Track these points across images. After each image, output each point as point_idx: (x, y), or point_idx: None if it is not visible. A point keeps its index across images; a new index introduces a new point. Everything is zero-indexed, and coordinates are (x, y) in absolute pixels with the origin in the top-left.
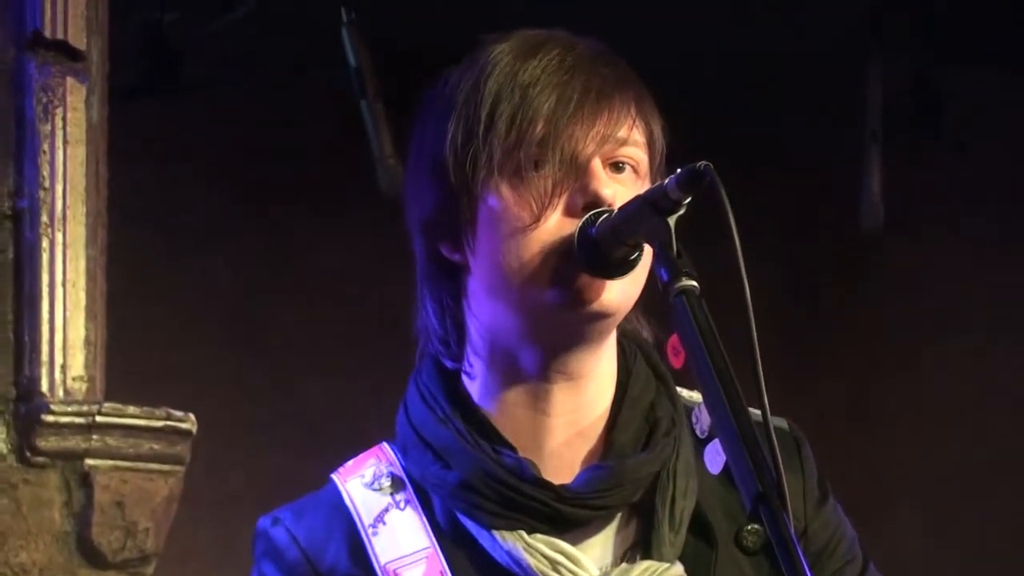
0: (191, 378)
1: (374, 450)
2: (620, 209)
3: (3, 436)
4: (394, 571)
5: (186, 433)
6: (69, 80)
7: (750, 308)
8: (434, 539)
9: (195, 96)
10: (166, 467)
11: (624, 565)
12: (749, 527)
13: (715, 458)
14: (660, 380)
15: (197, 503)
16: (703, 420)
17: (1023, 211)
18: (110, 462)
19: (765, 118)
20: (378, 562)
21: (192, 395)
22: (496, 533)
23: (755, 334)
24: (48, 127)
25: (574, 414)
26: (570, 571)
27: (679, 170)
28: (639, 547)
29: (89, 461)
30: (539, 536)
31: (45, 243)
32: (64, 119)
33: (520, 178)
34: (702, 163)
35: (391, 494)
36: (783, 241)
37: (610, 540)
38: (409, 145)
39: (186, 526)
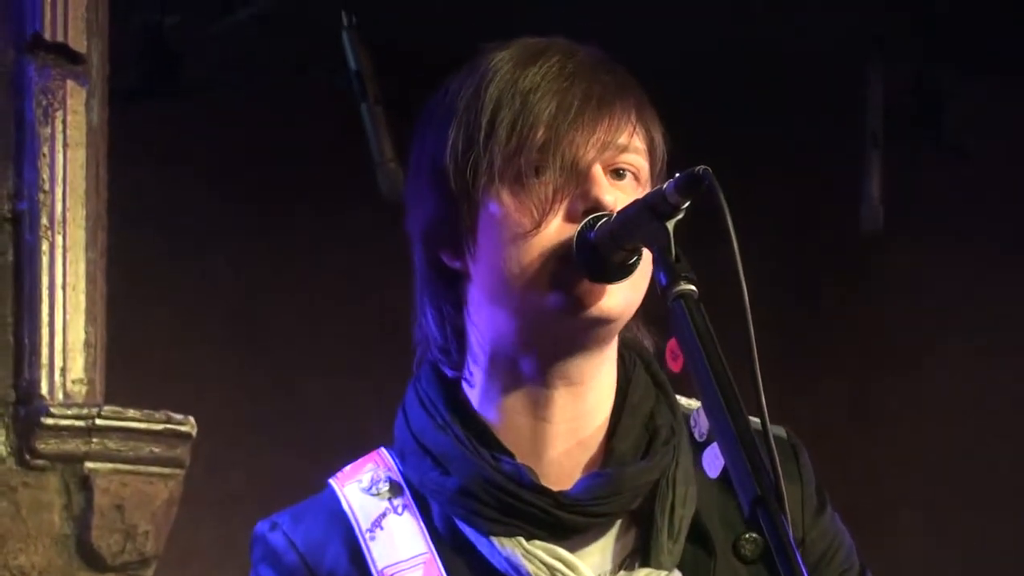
0: (192, 378)
1: (372, 455)
2: (619, 213)
3: (3, 439)
4: None
5: (186, 436)
6: (69, 83)
7: (748, 312)
8: (432, 545)
9: (195, 98)
10: (166, 470)
11: (622, 573)
12: (747, 536)
13: (713, 462)
14: (659, 388)
15: (198, 503)
16: (701, 423)
17: (1023, 211)
18: (110, 465)
19: (766, 118)
20: (375, 567)
21: (193, 395)
22: (494, 540)
23: (754, 339)
24: (48, 130)
25: (574, 421)
26: None
27: (677, 174)
28: (638, 555)
29: (89, 464)
30: (538, 543)
31: (45, 246)
32: (64, 122)
33: (521, 184)
34: (700, 167)
35: (389, 499)
36: (784, 241)
37: (609, 548)
38: (410, 153)
39: (187, 526)
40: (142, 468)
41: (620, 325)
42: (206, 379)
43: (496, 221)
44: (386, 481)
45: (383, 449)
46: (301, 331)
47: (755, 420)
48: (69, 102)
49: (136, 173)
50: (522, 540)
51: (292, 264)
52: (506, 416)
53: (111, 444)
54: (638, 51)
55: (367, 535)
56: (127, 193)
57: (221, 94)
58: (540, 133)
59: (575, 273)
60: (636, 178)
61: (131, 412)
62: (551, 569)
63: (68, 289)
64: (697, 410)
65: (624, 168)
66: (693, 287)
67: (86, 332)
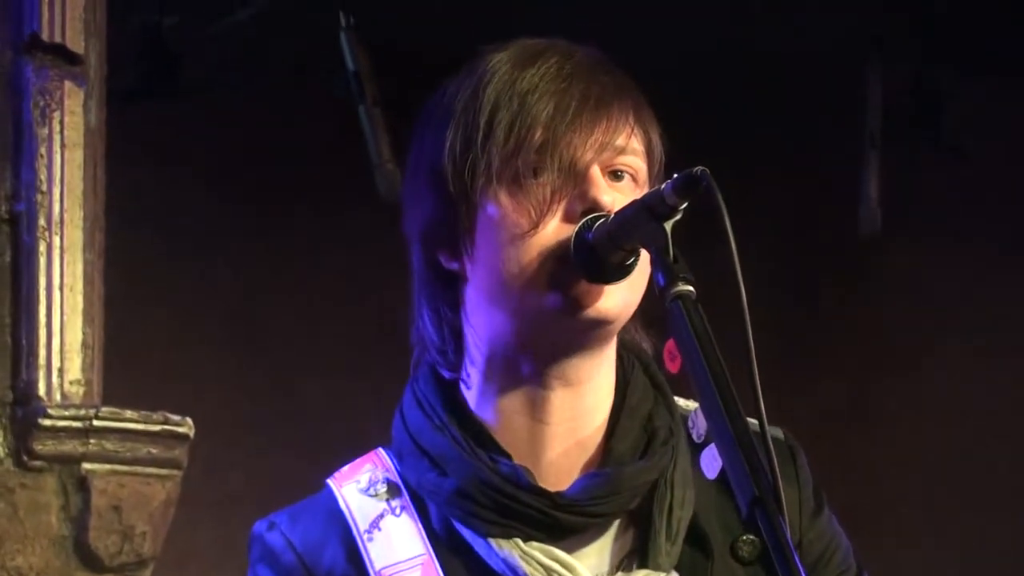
0: (191, 379)
1: (370, 456)
2: (616, 214)
3: (0, 440)
4: None
5: (183, 437)
6: (67, 83)
7: (747, 313)
8: (429, 546)
9: (194, 99)
10: (163, 471)
11: (620, 574)
12: (744, 537)
13: (711, 463)
14: (658, 390)
15: (196, 504)
16: (699, 424)
17: (1022, 211)
18: (107, 466)
19: (764, 118)
20: (373, 568)
21: (192, 395)
22: (492, 541)
23: (752, 340)
24: (46, 131)
25: (572, 422)
26: None
27: (676, 175)
28: (635, 556)
29: (86, 465)
30: (535, 544)
31: (42, 247)
32: (62, 123)
33: (519, 185)
34: (698, 168)
35: (387, 500)
36: (782, 241)
37: (606, 548)
38: (408, 154)
39: (185, 527)
40: (140, 469)
41: (618, 326)
42: (204, 380)
43: (494, 222)
44: (384, 482)
45: (381, 449)
46: (300, 332)
47: (753, 421)
48: (67, 103)
49: (134, 174)
50: (519, 541)
51: (291, 265)
52: (503, 417)
53: (109, 445)
54: (637, 52)
55: (365, 536)
56: (125, 194)
57: (220, 95)
58: (538, 134)
59: (573, 274)
60: (634, 179)
61: (129, 413)
62: (548, 570)
63: (66, 290)
64: (695, 411)
65: (622, 169)
66: (691, 288)
67: (84, 333)
